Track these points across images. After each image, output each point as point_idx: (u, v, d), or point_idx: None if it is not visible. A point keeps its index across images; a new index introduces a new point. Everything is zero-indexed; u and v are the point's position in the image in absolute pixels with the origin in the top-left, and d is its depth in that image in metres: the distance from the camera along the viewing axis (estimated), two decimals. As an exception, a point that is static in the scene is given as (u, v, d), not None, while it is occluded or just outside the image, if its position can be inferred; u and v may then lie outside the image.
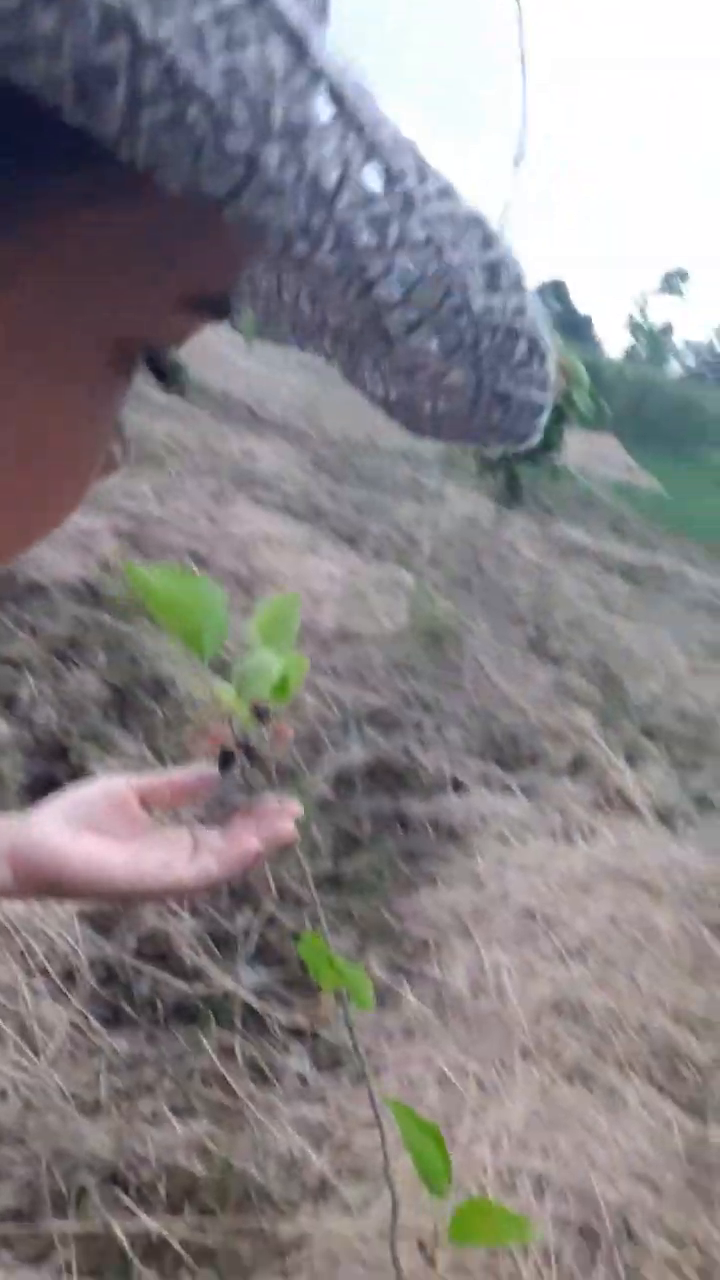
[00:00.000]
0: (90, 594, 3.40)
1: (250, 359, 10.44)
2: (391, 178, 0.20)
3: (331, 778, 2.86)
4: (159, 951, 2.05)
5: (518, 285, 0.23)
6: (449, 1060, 1.92)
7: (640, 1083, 2.04)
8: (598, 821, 3.07)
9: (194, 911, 2.17)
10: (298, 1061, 1.88)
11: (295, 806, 0.54)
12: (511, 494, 3.77)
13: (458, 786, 3.08)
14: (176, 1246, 1.48)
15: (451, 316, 0.22)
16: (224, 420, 8.03)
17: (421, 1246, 0.60)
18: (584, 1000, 2.19)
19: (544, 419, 0.26)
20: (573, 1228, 1.64)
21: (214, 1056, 1.82)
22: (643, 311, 13.82)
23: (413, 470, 9.06)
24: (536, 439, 0.27)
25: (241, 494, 5.59)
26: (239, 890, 2.30)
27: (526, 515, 7.42)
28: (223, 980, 2.00)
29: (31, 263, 0.24)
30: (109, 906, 2.07)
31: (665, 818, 3.35)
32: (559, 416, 3.44)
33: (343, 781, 2.87)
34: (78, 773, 2.43)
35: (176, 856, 0.52)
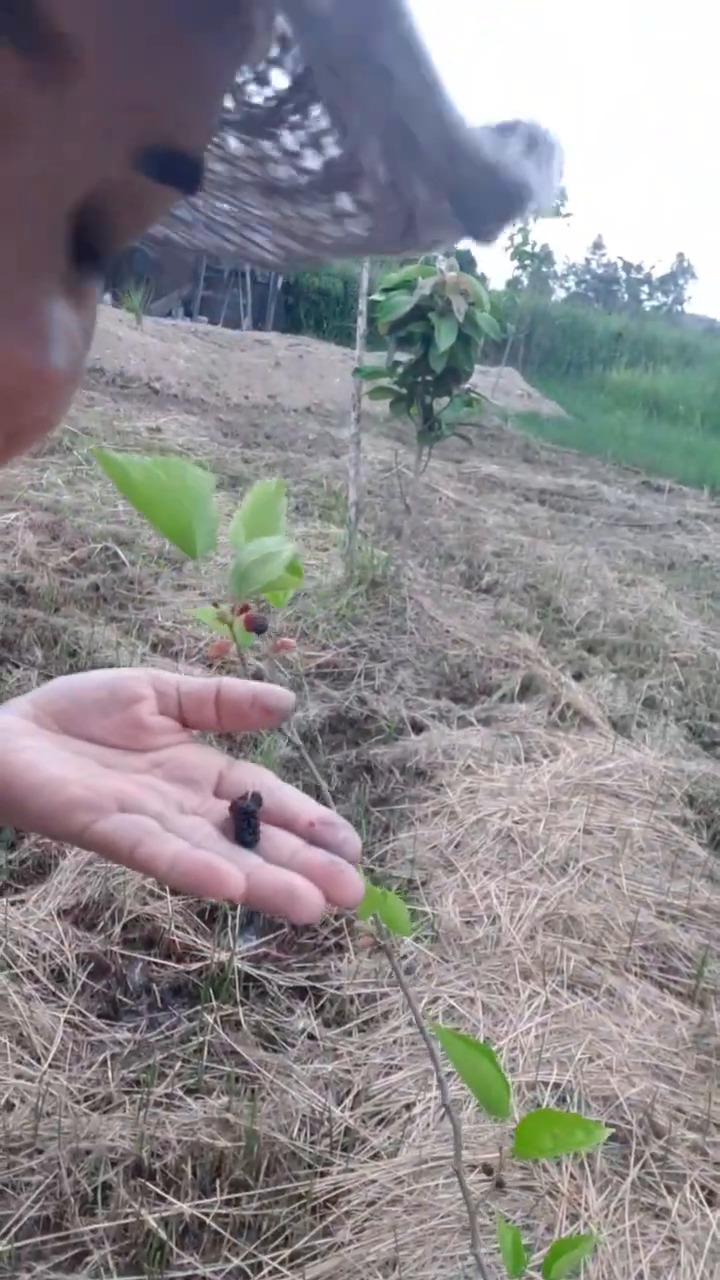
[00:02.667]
0: (17, 591, 3.28)
1: (141, 333, 10.15)
2: None
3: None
4: (146, 937, 2.00)
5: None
6: (454, 992, 1.92)
7: (638, 981, 2.08)
8: (556, 739, 3.10)
9: (175, 891, 2.12)
10: (304, 1021, 1.87)
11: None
12: (430, 430, 3.72)
13: (417, 727, 3.08)
14: (213, 1225, 1.46)
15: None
16: (123, 399, 7.82)
17: (488, 1171, 0.57)
18: (572, 912, 2.21)
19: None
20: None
21: (219, 1030, 1.79)
22: (525, 236, 13.64)
23: (321, 426, 8.95)
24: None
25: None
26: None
27: (441, 455, 7.40)
28: (216, 954, 1.96)
29: None
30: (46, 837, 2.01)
31: (619, 725, 3.40)
32: (467, 342, 3.39)
33: (304, 739, 2.83)
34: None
35: (162, 803, 0.37)
